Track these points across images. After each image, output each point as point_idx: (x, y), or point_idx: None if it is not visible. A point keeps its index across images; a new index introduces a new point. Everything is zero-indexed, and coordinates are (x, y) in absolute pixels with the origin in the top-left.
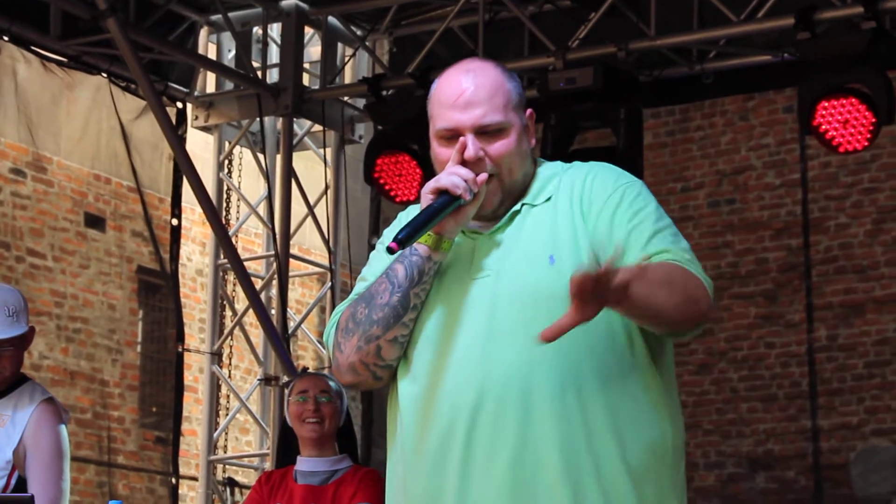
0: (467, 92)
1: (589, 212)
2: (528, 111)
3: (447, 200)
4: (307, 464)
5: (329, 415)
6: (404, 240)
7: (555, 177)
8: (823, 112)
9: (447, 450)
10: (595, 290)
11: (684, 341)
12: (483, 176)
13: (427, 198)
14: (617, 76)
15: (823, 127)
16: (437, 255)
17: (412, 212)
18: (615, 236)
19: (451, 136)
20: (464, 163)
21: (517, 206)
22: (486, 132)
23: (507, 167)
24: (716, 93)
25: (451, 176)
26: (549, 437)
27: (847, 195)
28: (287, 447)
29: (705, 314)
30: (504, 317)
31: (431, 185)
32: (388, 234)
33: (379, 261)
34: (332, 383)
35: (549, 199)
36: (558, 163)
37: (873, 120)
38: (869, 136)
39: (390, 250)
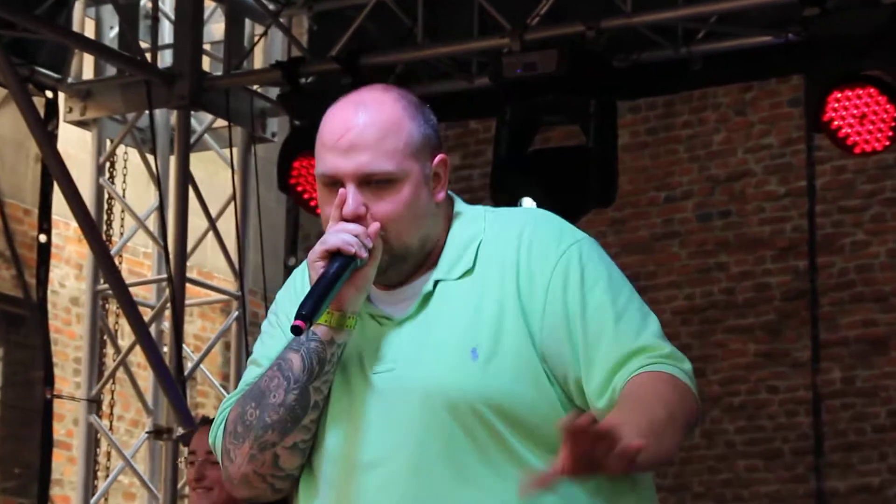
0: (352, 132)
1: (529, 296)
2: (439, 157)
3: (343, 263)
4: None
5: (220, 480)
6: (310, 315)
7: (473, 239)
8: (836, 105)
9: None
10: (593, 449)
11: None
12: (375, 226)
13: (317, 266)
14: (586, 61)
15: (836, 123)
16: (340, 335)
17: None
18: (574, 335)
19: (332, 182)
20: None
21: (429, 286)
22: (371, 182)
23: (396, 230)
24: (706, 82)
25: (339, 234)
26: None
27: (865, 207)
28: None
29: (696, 425)
30: (408, 424)
31: (318, 249)
32: (281, 302)
33: (272, 338)
34: None
35: (468, 270)
36: (479, 210)
37: None
38: (891, 133)
39: (296, 329)
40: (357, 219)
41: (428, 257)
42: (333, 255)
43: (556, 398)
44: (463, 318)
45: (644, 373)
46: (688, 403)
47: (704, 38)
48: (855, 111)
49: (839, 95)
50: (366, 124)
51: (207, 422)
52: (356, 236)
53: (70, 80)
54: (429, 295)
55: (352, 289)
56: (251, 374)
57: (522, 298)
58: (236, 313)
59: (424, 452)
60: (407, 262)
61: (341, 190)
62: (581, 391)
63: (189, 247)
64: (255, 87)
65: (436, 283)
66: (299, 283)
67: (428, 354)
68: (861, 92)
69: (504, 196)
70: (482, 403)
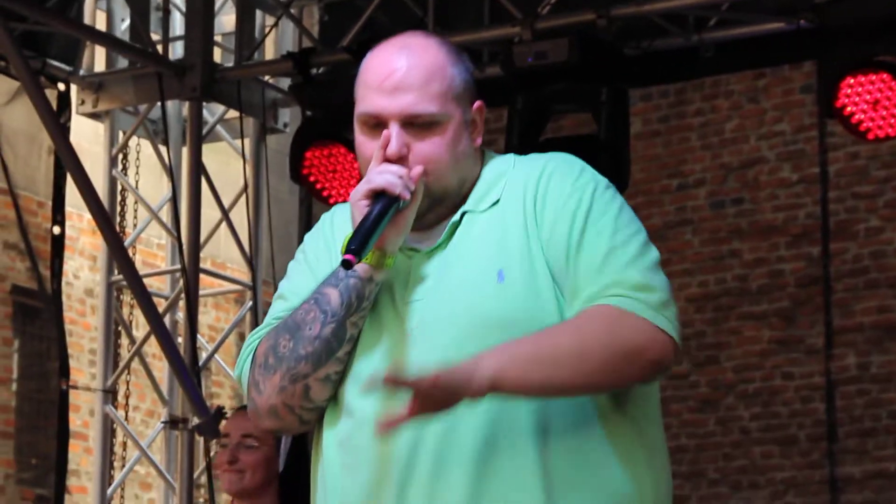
0: (397, 73)
1: (542, 218)
2: (477, 104)
3: (387, 203)
4: None
5: (253, 464)
6: (358, 250)
7: (502, 176)
8: (849, 91)
9: None
10: (429, 399)
11: (680, 372)
12: (419, 169)
13: (360, 205)
14: (597, 49)
15: (849, 109)
16: (378, 274)
17: (339, 212)
18: (570, 260)
19: (375, 123)
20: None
21: (456, 217)
22: (414, 124)
23: (436, 172)
24: (718, 69)
25: (384, 174)
26: (501, 498)
27: (879, 193)
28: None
29: (656, 363)
30: (444, 350)
31: (363, 188)
32: (310, 242)
33: (300, 274)
34: None
35: (495, 203)
36: (509, 156)
37: None
38: None
39: (347, 264)
40: (400, 160)
41: (463, 199)
42: (377, 195)
43: None
44: (489, 243)
45: (594, 305)
46: (624, 335)
47: (716, 25)
48: (868, 97)
49: (852, 81)
50: (411, 66)
51: (222, 412)
52: (400, 178)
53: (82, 72)
54: (455, 225)
55: (393, 230)
56: (278, 307)
57: (538, 224)
58: (250, 303)
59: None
60: (444, 205)
61: (385, 131)
62: None
63: (202, 237)
64: (266, 78)
65: (463, 214)
66: (327, 227)
67: (455, 280)
68: (874, 78)
69: None
70: (509, 322)
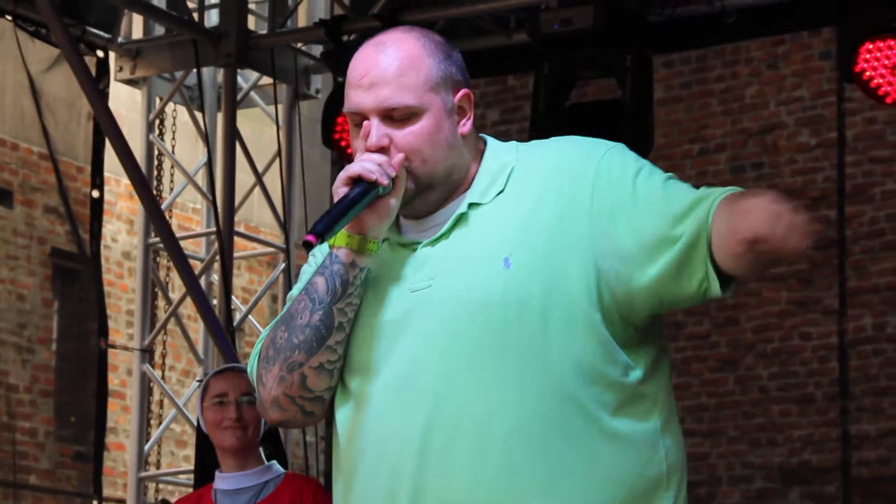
0: (373, 70)
1: (572, 198)
2: (462, 92)
3: (363, 189)
4: (229, 481)
5: (254, 420)
6: (323, 231)
7: (507, 165)
8: (867, 56)
9: (394, 493)
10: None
11: (701, 333)
12: (399, 156)
13: (340, 191)
14: (621, 16)
15: (868, 73)
16: (362, 259)
17: None
18: (629, 222)
19: (359, 119)
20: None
21: (462, 208)
22: (393, 116)
23: (419, 158)
24: (739, 35)
25: (361, 161)
26: (505, 485)
27: None
28: (208, 460)
29: None
30: (449, 334)
31: (342, 175)
32: (320, 247)
33: (309, 267)
34: None
35: (501, 191)
36: (513, 144)
37: None
38: None
39: (307, 244)
40: (381, 150)
41: (457, 188)
42: (355, 181)
43: (595, 298)
44: (495, 232)
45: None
46: None
47: None
48: (887, 62)
49: (871, 46)
50: (386, 62)
51: (234, 368)
52: (379, 165)
53: (120, 39)
54: (462, 216)
55: (374, 215)
56: (285, 309)
57: (564, 205)
58: (283, 266)
59: (454, 358)
60: (433, 192)
61: (365, 122)
62: (628, 282)
63: (236, 201)
64: (299, 45)
65: (470, 205)
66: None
67: (460, 269)
68: (893, 43)
69: None
70: (515, 306)
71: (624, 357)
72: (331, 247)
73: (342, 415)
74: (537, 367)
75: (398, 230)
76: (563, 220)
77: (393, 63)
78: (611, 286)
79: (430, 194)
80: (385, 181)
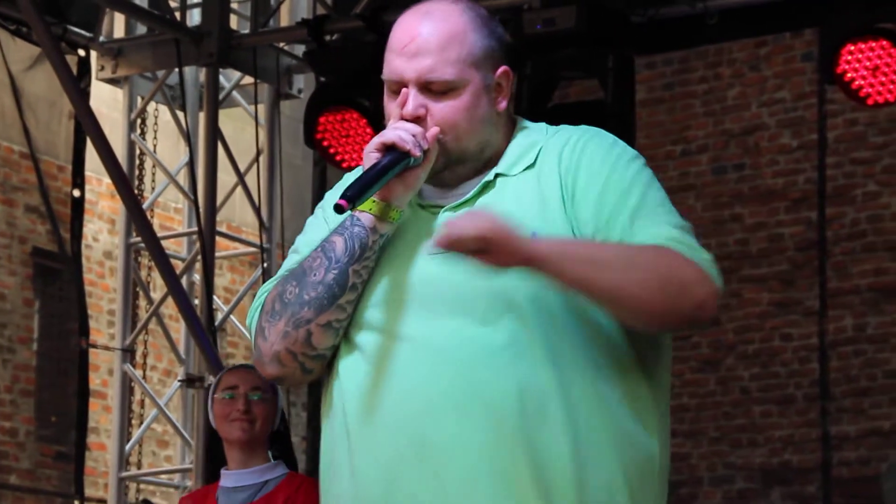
0: (417, 39)
1: (574, 185)
2: (502, 69)
3: (396, 157)
4: (231, 478)
5: (262, 415)
6: (354, 196)
7: (536, 144)
8: (849, 57)
9: (412, 443)
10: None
11: (682, 334)
12: (434, 130)
13: (371, 156)
14: (604, 17)
15: (849, 75)
16: (383, 226)
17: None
18: (599, 216)
19: (397, 86)
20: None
21: (489, 176)
22: (431, 88)
23: (454, 133)
24: (721, 36)
25: (397, 130)
26: (519, 453)
27: (877, 158)
28: (217, 457)
29: (702, 303)
30: (465, 301)
31: (376, 140)
32: (330, 198)
33: (316, 229)
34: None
35: (530, 166)
36: (543, 125)
37: None
38: None
39: (339, 208)
40: (416, 120)
41: (487, 163)
42: (389, 148)
43: None
44: (521, 205)
45: (649, 245)
46: (679, 267)
47: None
48: (868, 63)
49: (852, 48)
50: (430, 33)
51: (247, 366)
52: (413, 136)
53: (102, 38)
54: (489, 184)
55: (400, 185)
56: (291, 260)
57: (569, 189)
58: (263, 266)
59: (462, 329)
60: (464, 166)
61: (403, 90)
62: None
63: (218, 201)
64: (281, 44)
65: (496, 175)
66: (350, 181)
67: None
68: (874, 44)
69: None
70: (534, 284)
71: (625, 349)
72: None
73: (346, 365)
74: (554, 338)
75: (420, 193)
76: (571, 200)
77: (437, 34)
78: None
79: (460, 168)
80: (418, 153)
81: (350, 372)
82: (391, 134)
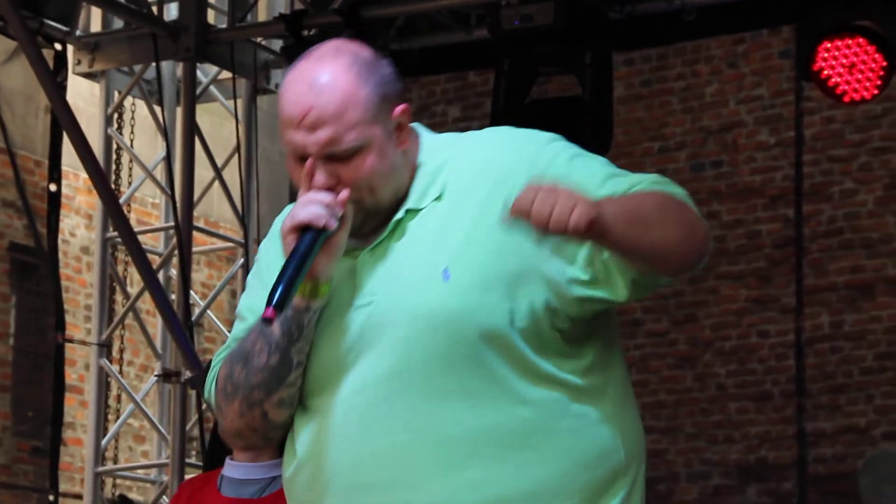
0: (311, 112)
1: (513, 190)
2: (399, 109)
3: (313, 237)
4: (238, 470)
5: None
6: (282, 303)
7: (442, 168)
8: (825, 55)
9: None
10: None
11: (659, 330)
12: (344, 193)
13: (288, 241)
14: (582, 13)
15: (826, 72)
16: (315, 302)
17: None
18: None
19: (301, 157)
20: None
21: (400, 214)
22: (336, 155)
23: (367, 189)
24: (699, 33)
25: (307, 206)
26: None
27: (853, 156)
28: (220, 446)
29: (707, 236)
30: (393, 353)
31: (287, 223)
32: (263, 252)
33: (255, 290)
34: None
35: (438, 196)
36: (444, 138)
37: (884, 64)
38: (879, 83)
39: (266, 321)
40: (327, 188)
41: (400, 200)
42: (304, 228)
43: (541, 306)
44: (433, 240)
45: (636, 192)
46: (686, 210)
47: None
48: (844, 61)
49: (829, 45)
50: (325, 103)
51: None
52: (326, 206)
53: (78, 32)
54: (399, 222)
55: (324, 257)
56: (237, 328)
57: (504, 199)
58: (241, 261)
59: (404, 376)
60: (381, 215)
61: (309, 160)
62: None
63: (195, 196)
64: (258, 39)
65: (406, 211)
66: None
67: (402, 281)
68: (850, 42)
69: None
70: (457, 319)
71: (568, 355)
72: None
73: (300, 430)
74: (484, 376)
75: None
76: (497, 219)
77: (331, 102)
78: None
79: (378, 218)
80: (334, 224)
81: (302, 433)
82: (303, 213)
